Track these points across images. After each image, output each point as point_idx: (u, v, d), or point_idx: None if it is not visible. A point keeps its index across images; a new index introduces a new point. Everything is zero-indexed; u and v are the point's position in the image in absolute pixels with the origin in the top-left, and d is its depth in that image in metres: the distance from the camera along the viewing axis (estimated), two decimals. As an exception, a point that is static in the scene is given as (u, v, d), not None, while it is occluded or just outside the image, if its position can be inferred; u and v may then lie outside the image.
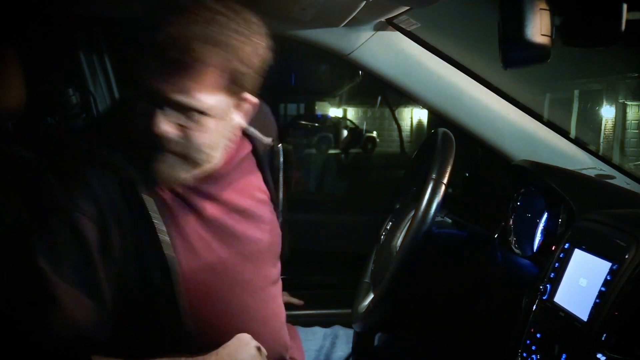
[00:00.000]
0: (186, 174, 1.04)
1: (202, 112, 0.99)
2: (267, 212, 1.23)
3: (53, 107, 1.68)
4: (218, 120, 1.02)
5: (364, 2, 1.23)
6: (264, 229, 1.20)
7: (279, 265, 1.27)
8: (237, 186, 1.17)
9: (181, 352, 1.04)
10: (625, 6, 0.88)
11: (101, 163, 1.01)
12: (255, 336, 1.10)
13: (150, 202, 1.02)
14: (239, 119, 1.08)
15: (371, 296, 1.30)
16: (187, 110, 0.98)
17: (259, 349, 1.09)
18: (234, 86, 1.01)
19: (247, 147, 1.23)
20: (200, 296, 1.07)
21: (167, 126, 0.98)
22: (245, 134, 1.22)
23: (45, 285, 0.95)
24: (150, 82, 0.97)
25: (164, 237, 1.02)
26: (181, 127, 0.99)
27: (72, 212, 0.98)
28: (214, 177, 1.11)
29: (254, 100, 1.08)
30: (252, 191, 1.20)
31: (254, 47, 1.01)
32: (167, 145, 1.00)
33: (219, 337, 1.08)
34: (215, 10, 0.97)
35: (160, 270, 1.02)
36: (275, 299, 1.23)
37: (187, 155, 1.02)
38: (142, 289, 1.03)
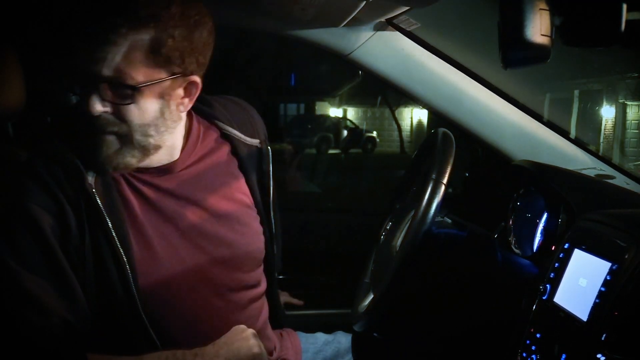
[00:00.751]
0: (133, 159, 1.04)
1: (133, 88, 0.98)
2: (247, 215, 1.21)
3: (53, 107, 1.68)
4: (156, 99, 1.01)
5: (364, 2, 1.23)
6: (241, 233, 1.18)
7: (260, 270, 1.25)
8: (213, 187, 1.16)
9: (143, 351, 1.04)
10: (625, 6, 0.88)
11: (47, 155, 1.02)
12: None
13: (98, 192, 1.02)
14: (185, 102, 1.07)
15: (371, 296, 1.30)
16: (118, 88, 0.98)
17: (255, 335, 1.08)
18: (167, 63, 1.00)
19: (225, 147, 1.22)
20: (158, 292, 1.06)
21: (100, 106, 0.98)
22: (223, 133, 1.21)
23: (14, 280, 0.95)
24: (77, 64, 0.97)
25: (114, 231, 1.02)
26: (115, 105, 0.99)
27: (25, 202, 0.98)
28: (174, 172, 1.12)
29: (199, 83, 1.07)
30: (231, 193, 1.19)
31: (186, 22, 1.00)
32: (106, 126, 1.00)
33: (186, 339, 1.07)
34: None
35: (113, 262, 1.02)
36: (253, 302, 1.21)
37: (129, 137, 1.02)
38: (98, 280, 1.02)
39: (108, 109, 0.99)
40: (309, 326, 1.54)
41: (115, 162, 1.03)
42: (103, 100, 0.98)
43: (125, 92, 0.98)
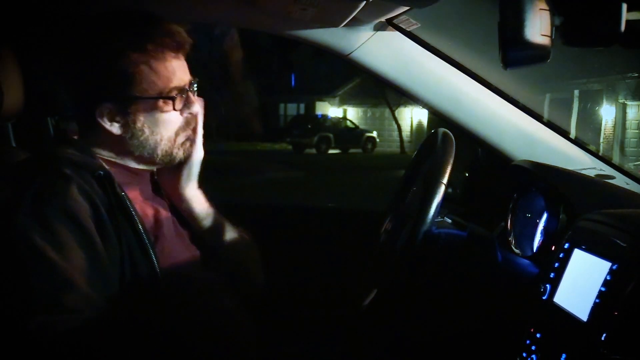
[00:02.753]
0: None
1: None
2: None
3: (53, 107, 1.68)
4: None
5: (364, 2, 1.23)
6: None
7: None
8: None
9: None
10: (625, 6, 0.88)
11: (77, 163, 1.10)
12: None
13: (126, 197, 1.11)
14: None
15: (371, 296, 1.30)
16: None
17: None
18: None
19: None
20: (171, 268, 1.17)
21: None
22: None
23: (57, 272, 0.98)
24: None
25: (144, 230, 1.12)
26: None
27: (66, 200, 1.03)
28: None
29: None
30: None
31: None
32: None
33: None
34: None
35: (141, 252, 1.10)
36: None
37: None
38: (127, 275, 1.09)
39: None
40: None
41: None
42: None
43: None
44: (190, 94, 1.19)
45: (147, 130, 1.15)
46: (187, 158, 1.22)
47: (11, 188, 1.05)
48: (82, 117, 1.19)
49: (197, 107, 1.20)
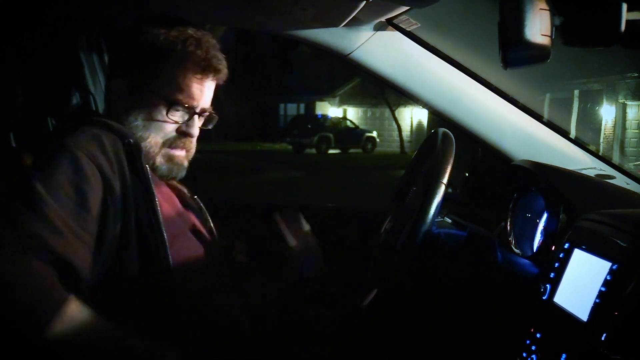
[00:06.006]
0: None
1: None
2: None
3: (53, 107, 1.68)
4: None
5: (364, 2, 1.23)
6: None
7: None
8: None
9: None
10: (625, 6, 0.88)
11: (110, 126, 1.12)
12: None
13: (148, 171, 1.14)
14: None
15: (371, 296, 1.30)
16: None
17: None
18: None
19: None
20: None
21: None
22: None
23: (39, 206, 0.98)
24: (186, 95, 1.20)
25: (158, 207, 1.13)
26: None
27: (76, 151, 1.05)
28: None
29: None
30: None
31: None
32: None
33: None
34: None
35: (150, 230, 1.11)
36: None
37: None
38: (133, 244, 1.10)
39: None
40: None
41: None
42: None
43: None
44: (196, 118, 1.23)
45: (140, 123, 1.19)
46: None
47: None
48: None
49: (194, 131, 1.24)
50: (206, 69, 1.21)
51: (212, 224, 1.35)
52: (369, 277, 1.40)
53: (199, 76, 1.21)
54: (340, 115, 23.52)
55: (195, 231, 1.27)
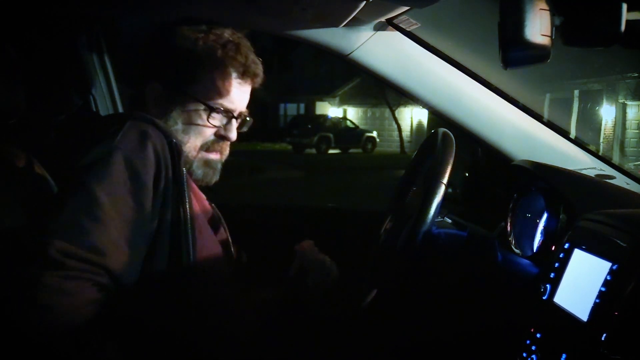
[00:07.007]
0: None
1: None
2: None
3: (53, 107, 1.68)
4: None
5: (364, 2, 1.23)
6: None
7: None
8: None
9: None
10: (625, 6, 0.88)
11: (158, 125, 1.11)
12: None
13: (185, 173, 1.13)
14: None
15: (371, 296, 1.30)
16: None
17: None
18: None
19: None
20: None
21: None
22: None
23: (95, 210, 0.98)
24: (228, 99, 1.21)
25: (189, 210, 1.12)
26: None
27: (122, 151, 1.04)
28: None
29: None
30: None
31: None
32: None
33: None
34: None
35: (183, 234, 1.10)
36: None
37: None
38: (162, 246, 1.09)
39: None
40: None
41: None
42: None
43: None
44: (234, 122, 1.24)
45: (180, 127, 1.19)
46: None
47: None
48: (135, 86, 1.26)
49: (233, 135, 1.25)
50: (245, 73, 1.22)
51: (228, 233, 1.35)
52: (369, 277, 1.40)
53: (239, 81, 1.22)
54: (340, 115, 23.53)
55: (220, 240, 1.28)
